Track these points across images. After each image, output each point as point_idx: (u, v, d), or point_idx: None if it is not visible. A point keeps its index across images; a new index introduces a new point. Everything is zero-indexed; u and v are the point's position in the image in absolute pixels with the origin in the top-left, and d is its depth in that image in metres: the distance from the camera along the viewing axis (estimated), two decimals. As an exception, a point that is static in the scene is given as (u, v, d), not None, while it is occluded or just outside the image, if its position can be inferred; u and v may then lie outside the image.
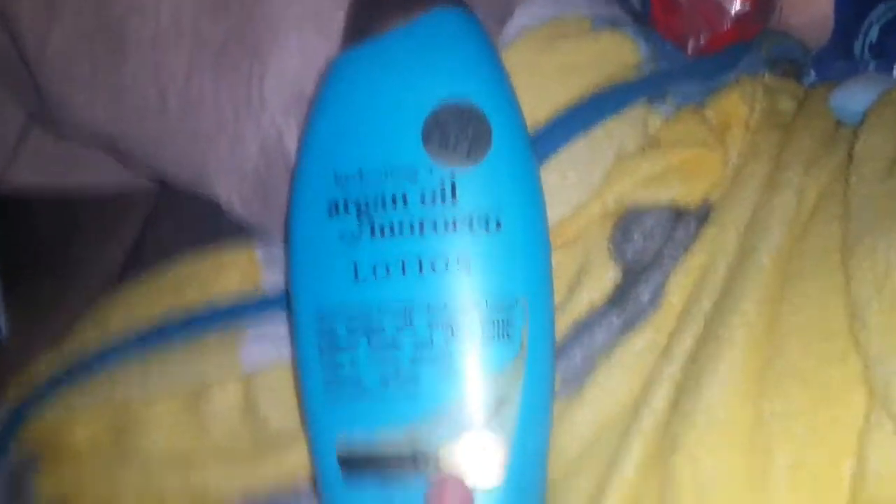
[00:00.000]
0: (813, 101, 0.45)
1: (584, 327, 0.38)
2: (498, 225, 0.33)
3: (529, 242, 0.34)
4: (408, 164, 0.33)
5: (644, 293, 0.38)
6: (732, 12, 0.43)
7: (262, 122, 0.42)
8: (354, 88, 0.35)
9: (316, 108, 0.37)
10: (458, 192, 0.33)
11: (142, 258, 0.50)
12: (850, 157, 0.37)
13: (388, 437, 0.33)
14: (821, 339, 0.31)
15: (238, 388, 0.42)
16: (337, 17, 0.41)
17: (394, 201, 0.33)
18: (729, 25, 0.43)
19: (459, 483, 0.32)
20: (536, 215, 0.35)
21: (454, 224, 0.33)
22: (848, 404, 0.29)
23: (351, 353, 0.33)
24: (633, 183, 0.39)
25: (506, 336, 0.33)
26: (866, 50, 0.48)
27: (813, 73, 0.50)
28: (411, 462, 0.32)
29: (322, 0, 0.41)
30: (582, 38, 0.41)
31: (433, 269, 0.33)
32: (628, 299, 0.38)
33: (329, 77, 0.37)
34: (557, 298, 0.39)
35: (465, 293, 0.33)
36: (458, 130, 0.33)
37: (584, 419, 0.36)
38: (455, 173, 0.33)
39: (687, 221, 0.39)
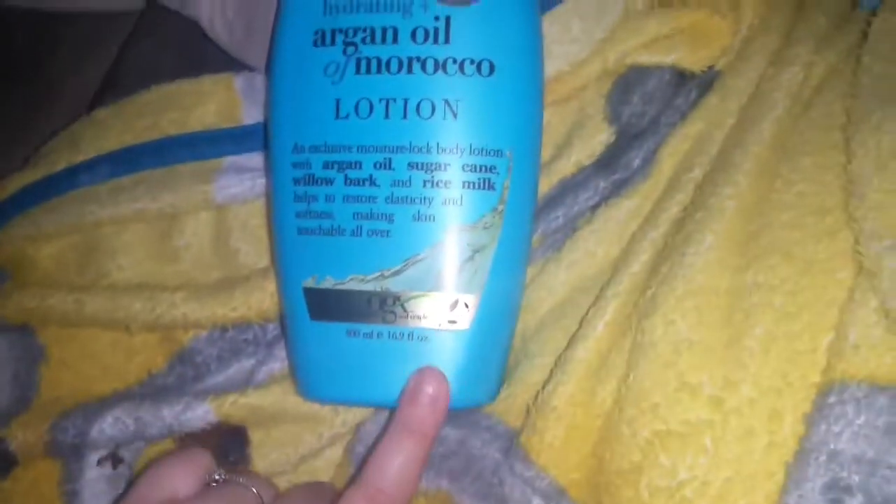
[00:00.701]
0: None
1: (569, 188, 0.37)
2: (491, 70, 0.32)
3: (522, 91, 0.33)
4: None
5: (635, 158, 0.37)
6: None
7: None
8: None
9: None
10: (451, 31, 0.32)
11: (119, 80, 0.48)
12: (864, 35, 0.36)
13: (358, 280, 0.32)
14: (811, 213, 0.30)
15: (210, 218, 0.41)
16: None
17: (384, 35, 0.32)
18: None
19: (437, 372, 0.31)
20: (533, 64, 0.34)
21: (445, 65, 0.32)
22: (832, 279, 0.29)
23: (326, 188, 0.32)
24: (638, 42, 0.37)
25: (487, 186, 0.32)
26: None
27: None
28: (379, 308, 0.32)
29: None
30: None
31: (418, 113, 0.32)
32: (618, 163, 0.37)
33: None
34: (545, 156, 0.38)
35: (450, 138, 0.32)
36: None
37: (558, 279, 0.36)
38: (451, 11, 0.32)
39: (688, 89, 0.38)
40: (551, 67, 0.37)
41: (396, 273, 0.32)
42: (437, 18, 0.32)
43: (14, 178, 0.43)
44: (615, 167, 0.37)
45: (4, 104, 0.54)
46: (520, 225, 0.34)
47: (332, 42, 0.33)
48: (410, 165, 0.32)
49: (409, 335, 0.32)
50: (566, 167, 0.38)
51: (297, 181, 0.33)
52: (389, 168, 0.32)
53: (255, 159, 0.40)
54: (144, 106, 0.42)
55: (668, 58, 0.37)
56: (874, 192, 0.28)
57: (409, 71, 0.32)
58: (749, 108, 0.35)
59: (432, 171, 0.32)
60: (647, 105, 0.38)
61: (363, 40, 0.32)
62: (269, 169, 0.35)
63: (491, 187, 0.32)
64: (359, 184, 0.32)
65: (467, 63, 0.32)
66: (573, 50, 0.37)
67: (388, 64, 0.32)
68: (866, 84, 0.33)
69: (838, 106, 0.34)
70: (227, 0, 0.41)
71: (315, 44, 0.33)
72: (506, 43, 0.33)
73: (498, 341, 0.34)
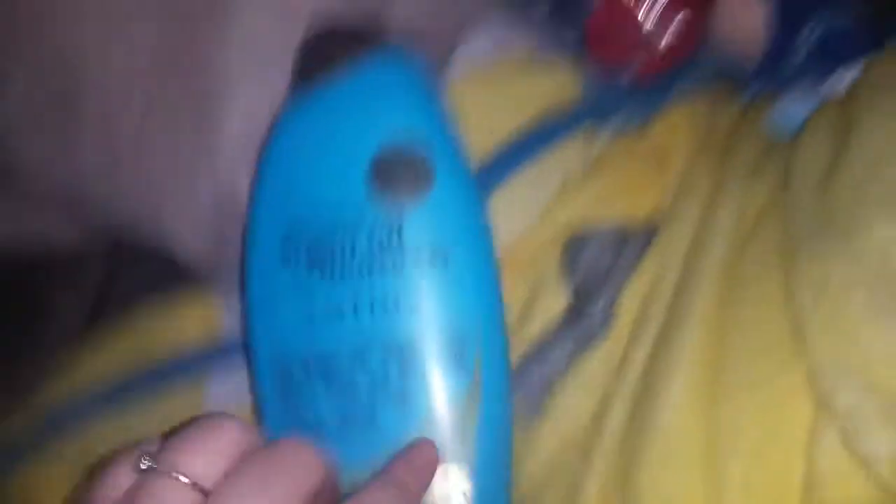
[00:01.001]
0: (751, 116, 0.47)
1: (538, 350, 0.39)
2: (445, 261, 0.34)
3: (477, 274, 0.35)
4: (355, 207, 0.34)
5: (595, 313, 0.39)
6: (664, 40, 0.44)
7: (215, 174, 0.43)
8: (301, 135, 0.36)
9: (265, 157, 0.37)
10: (403, 232, 0.34)
11: (104, 311, 0.51)
12: (786, 170, 0.39)
13: (351, 474, 0.33)
14: (766, 348, 0.32)
15: None
16: (283, 67, 0.42)
17: (342, 246, 0.34)
18: (662, 52, 0.44)
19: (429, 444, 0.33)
20: (483, 248, 0.36)
21: (402, 264, 0.34)
22: (795, 410, 0.30)
23: (309, 396, 0.34)
24: (580, 204, 0.40)
25: (459, 366, 0.34)
26: (800, 63, 0.50)
27: (751, 88, 0.51)
28: None
29: (266, 51, 0.42)
30: (523, 71, 0.43)
31: (384, 309, 0.33)
32: (581, 319, 0.39)
33: (277, 125, 0.37)
34: (511, 322, 0.40)
35: (416, 329, 0.34)
36: (400, 171, 0.34)
37: (546, 440, 0.37)
38: (401, 214, 0.34)
39: (633, 241, 0.40)
40: (503, 239, 0.38)
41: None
42: (390, 221, 0.34)
43: (12, 419, 0.44)
44: (578, 323, 0.39)
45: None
46: (498, 394, 0.35)
47: (297, 259, 0.35)
48: (384, 360, 0.33)
49: None
50: (533, 330, 0.39)
51: (281, 393, 0.35)
52: (365, 365, 0.33)
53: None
54: (131, 332, 0.45)
55: (608, 216, 0.40)
56: (815, 325, 0.30)
57: (370, 273, 0.34)
58: (692, 253, 0.38)
59: (405, 364, 0.33)
60: (598, 261, 0.40)
61: (325, 253, 0.34)
62: (253, 382, 0.37)
63: (463, 366, 0.34)
64: (339, 383, 0.34)
65: (422, 257, 0.34)
66: (519, 221, 0.40)
67: (350, 270, 0.34)
68: (794, 218, 0.35)
69: (774, 242, 0.36)
70: (199, 231, 0.44)
71: (283, 262, 0.35)
72: (456, 232, 0.35)
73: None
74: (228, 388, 0.42)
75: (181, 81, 0.43)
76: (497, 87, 0.43)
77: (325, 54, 0.38)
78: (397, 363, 0.33)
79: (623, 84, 0.45)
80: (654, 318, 0.37)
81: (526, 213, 0.40)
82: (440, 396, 0.33)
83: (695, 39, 0.47)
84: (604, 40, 0.44)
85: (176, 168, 0.43)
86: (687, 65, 0.48)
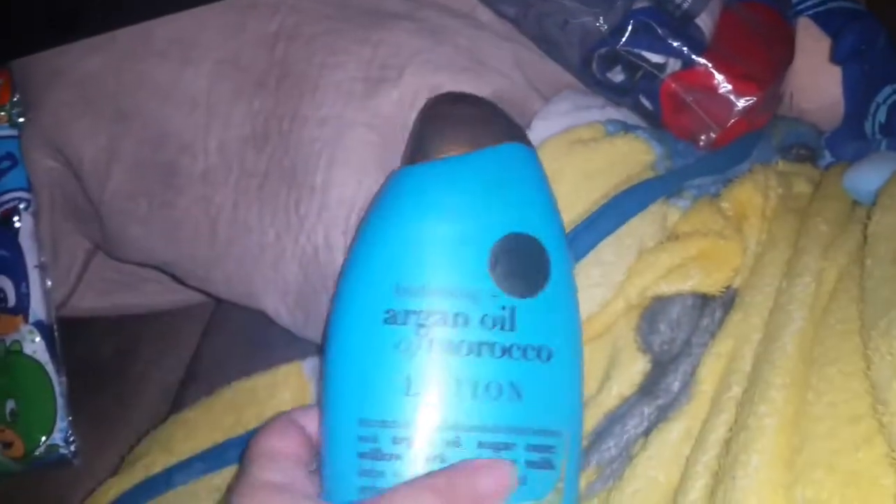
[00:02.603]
0: (828, 182, 0.47)
1: (616, 418, 0.39)
2: (549, 356, 0.34)
3: (575, 376, 0.35)
4: (473, 287, 0.34)
5: (674, 382, 0.39)
6: (739, 106, 0.45)
7: (299, 241, 0.45)
8: (418, 204, 0.36)
9: (374, 217, 0.37)
10: (517, 320, 0.34)
11: (199, 374, 0.53)
12: (864, 237, 0.39)
13: None
14: (845, 423, 0.32)
15: None
16: (359, 149, 0.44)
17: (455, 320, 0.34)
18: (737, 119, 0.45)
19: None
20: (581, 349, 0.36)
21: (511, 351, 0.34)
22: (876, 488, 0.30)
23: (394, 464, 0.33)
24: (655, 275, 0.40)
25: (548, 466, 0.33)
26: (877, 129, 0.50)
27: (828, 154, 0.52)
28: None
29: (340, 139, 0.45)
30: (598, 143, 0.44)
31: (486, 393, 0.33)
32: (659, 389, 0.39)
33: (390, 188, 0.37)
34: (588, 392, 0.40)
35: (515, 419, 0.33)
36: (521, 262, 0.35)
37: None
38: (516, 302, 0.34)
39: (712, 309, 0.40)
40: (582, 312, 0.39)
41: None
42: (503, 308, 0.34)
43: (112, 483, 0.46)
44: (657, 393, 0.39)
45: (93, 406, 0.58)
46: (574, 494, 0.35)
47: (405, 322, 0.34)
48: (480, 444, 0.33)
49: None
50: (609, 400, 0.40)
51: (362, 455, 0.33)
52: (459, 446, 0.32)
53: None
54: (227, 403, 0.47)
55: (685, 285, 0.40)
56: (893, 400, 0.30)
57: (479, 354, 0.33)
58: (771, 323, 0.38)
59: (499, 451, 0.33)
60: (676, 331, 0.40)
61: (436, 322, 0.33)
62: (326, 443, 0.35)
63: (551, 466, 0.33)
64: (429, 461, 0.32)
65: (530, 349, 0.34)
66: (598, 293, 0.40)
67: (458, 346, 0.33)
68: (871, 288, 0.35)
69: (853, 309, 0.36)
70: (288, 293, 0.46)
71: (386, 321, 0.34)
72: (561, 331, 0.35)
73: None
74: None
75: (271, 153, 0.46)
76: (572, 160, 0.43)
77: (450, 130, 0.38)
78: (491, 450, 0.33)
79: (698, 152, 0.46)
80: (734, 388, 0.36)
81: (604, 286, 0.40)
82: (526, 494, 0.33)
83: (770, 102, 0.48)
84: (680, 108, 0.45)
85: (266, 236, 0.46)
86: (763, 131, 0.49)
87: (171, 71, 0.49)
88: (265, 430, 0.33)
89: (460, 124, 0.38)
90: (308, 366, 0.46)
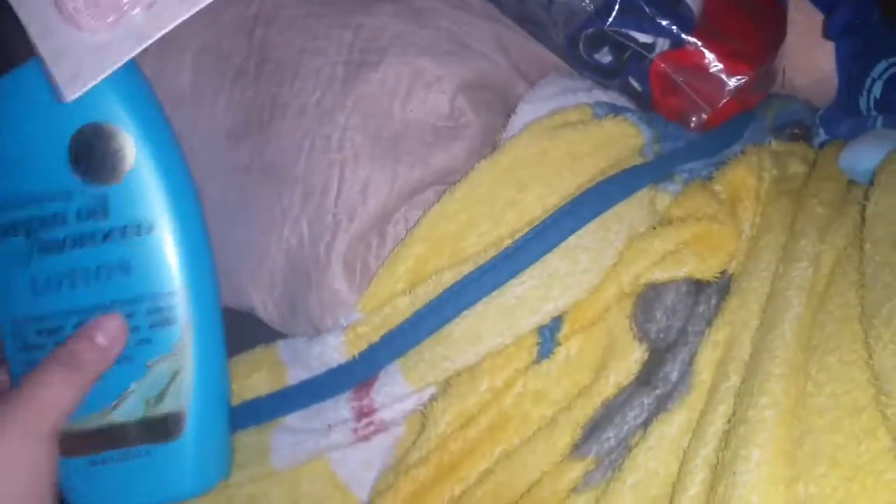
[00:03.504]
0: (823, 162, 0.46)
1: (614, 408, 0.38)
2: (150, 229, 0.38)
3: (180, 240, 0.39)
4: (62, 185, 0.38)
5: (672, 372, 0.38)
6: (731, 85, 0.43)
7: (283, 234, 0.44)
8: (4, 117, 0.39)
9: None
10: (109, 206, 0.38)
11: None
12: (862, 219, 0.38)
13: (85, 420, 0.38)
14: (847, 415, 0.31)
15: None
16: (340, 136, 0.43)
17: (54, 220, 0.38)
18: (729, 98, 0.43)
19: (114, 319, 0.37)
20: (187, 216, 0.39)
21: (109, 235, 0.38)
22: (880, 482, 0.29)
23: (40, 353, 0.38)
24: (648, 261, 0.39)
25: (170, 322, 0.38)
26: (872, 106, 0.48)
27: (822, 132, 0.50)
28: (108, 439, 0.38)
29: (321, 126, 0.44)
30: (585, 125, 0.43)
31: (97, 277, 0.38)
32: (657, 379, 0.38)
33: None
34: (584, 381, 0.39)
35: (129, 292, 0.38)
36: (101, 149, 0.38)
37: (625, 502, 0.36)
38: (105, 189, 0.38)
39: (707, 295, 0.39)
40: (569, 298, 0.39)
41: (115, 407, 0.38)
42: (93, 198, 0.38)
43: None
44: (655, 382, 0.38)
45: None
46: (209, 343, 0.39)
47: (15, 233, 0.39)
48: None
49: (137, 453, 0.38)
50: (607, 389, 0.39)
51: (21, 349, 0.39)
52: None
53: (305, 421, 0.43)
54: None
55: (679, 271, 0.39)
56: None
57: (82, 245, 0.38)
58: (768, 309, 0.37)
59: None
60: (672, 318, 0.39)
61: (39, 228, 0.38)
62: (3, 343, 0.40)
63: (173, 322, 0.38)
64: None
65: (129, 227, 0.38)
66: (586, 279, 0.39)
67: (62, 243, 0.38)
68: (871, 273, 0.34)
69: (852, 294, 0.35)
70: (276, 286, 0.45)
71: (2, 236, 0.39)
72: (157, 203, 0.38)
73: (213, 436, 0.40)
74: (293, 445, 0.43)
75: (254, 148, 0.45)
76: (558, 143, 0.42)
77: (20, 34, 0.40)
78: None
79: (689, 134, 0.45)
80: (733, 377, 0.36)
81: (590, 272, 0.39)
82: (155, 349, 0.38)
83: (763, 81, 0.46)
84: (669, 89, 0.44)
85: (251, 230, 0.45)
86: (755, 111, 0.47)
87: (151, 68, 0.47)
88: None
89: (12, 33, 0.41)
90: (283, 347, 0.45)
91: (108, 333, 0.37)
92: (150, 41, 0.43)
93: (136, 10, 0.44)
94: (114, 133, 0.38)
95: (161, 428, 0.38)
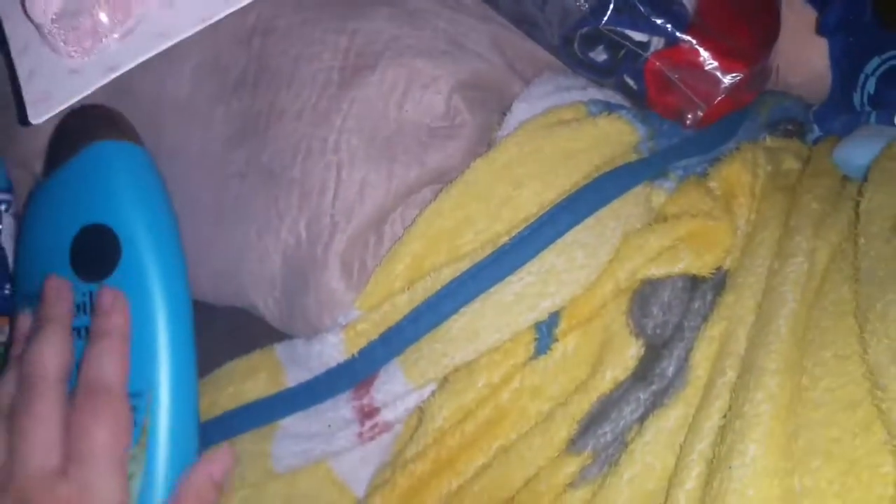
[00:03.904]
0: (817, 158, 0.46)
1: (611, 403, 0.38)
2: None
3: (155, 340, 0.38)
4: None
5: (669, 367, 0.38)
6: (726, 83, 0.44)
7: (281, 236, 0.44)
8: (35, 217, 0.43)
9: (18, 237, 0.45)
10: (94, 302, 0.39)
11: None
12: (856, 215, 0.38)
13: None
14: (842, 409, 0.31)
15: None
16: (335, 139, 0.44)
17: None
18: (723, 97, 0.44)
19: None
20: (168, 315, 0.39)
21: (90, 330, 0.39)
22: (876, 475, 0.29)
23: None
24: (644, 257, 0.39)
25: (134, 423, 0.37)
26: (866, 102, 0.49)
27: (816, 128, 0.51)
28: None
29: (317, 129, 0.44)
30: (580, 123, 0.43)
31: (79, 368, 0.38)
32: (653, 374, 0.38)
33: (25, 208, 0.44)
34: (581, 376, 0.40)
35: None
36: (94, 250, 0.39)
37: (622, 498, 0.36)
38: (93, 286, 0.39)
39: (703, 291, 0.40)
40: (565, 294, 0.39)
41: None
42: (84, 294, 0.39)
43: None
44: (651, 378, 0.38)
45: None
46: (169, 450, 0.38)
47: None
48: None
49: None
50: (603, 384, 0.39)
51: None
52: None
53: (306, 423, 0.43)
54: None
55: (675, 267, 0.39)
56: (894, 382, 0.29)
57: (80, 336, 0.39)
58: (764, 304, 0.37)
59: None
60: (668, 314, 0.39)
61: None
62: None
63: (135, 424, 0.37)
64: None
65: None
66: (583, 275, 0.39)
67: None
68: (866, 268, 0.34)
69: (847, 289, 0.35)
70: (276, 286, 0.45)
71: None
72: (137, 302, 0.39)
73: None
74: (294, 451, 0.43)
75: (251, 154, 0.45)
76: (553, 141, 0.43)
77: (58, 144, 0.44)
78: None
79: (684, 132, 0.45)
80: (728, 371, 0.36)
81: (586, 268, 0.39)
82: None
83: (758, 78, 0.46)
84: (664, 87, 0.44)
85: (248, 235, 0.45)
86: (749, 108, 0.48)
87: (153, 82, 0.48)
88: None
89: (53, 141, 0.45)
90: (281, 349, 0.45)
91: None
92: (121, 71, 0.44)
93: (112, 39, 0.45)
94: (108, 235, 0.39)
95: None
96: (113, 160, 0.41)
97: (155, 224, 0.40)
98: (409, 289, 0.41)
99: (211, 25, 0.46)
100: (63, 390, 0.37)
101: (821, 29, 0.50)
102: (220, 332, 0.48)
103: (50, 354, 0.37)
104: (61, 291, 0.39)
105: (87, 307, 0.39)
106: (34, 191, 0.44)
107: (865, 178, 0.40)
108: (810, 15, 0.51)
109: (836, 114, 0.50)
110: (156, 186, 0.41)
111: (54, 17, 0.44)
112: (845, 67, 0.50)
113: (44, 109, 0.44)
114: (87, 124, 0.44)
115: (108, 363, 0.37)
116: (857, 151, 0.44)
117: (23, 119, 0.45)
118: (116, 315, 0.38)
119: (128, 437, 0.36)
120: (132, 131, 0.43)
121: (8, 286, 0.56)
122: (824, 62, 0.51)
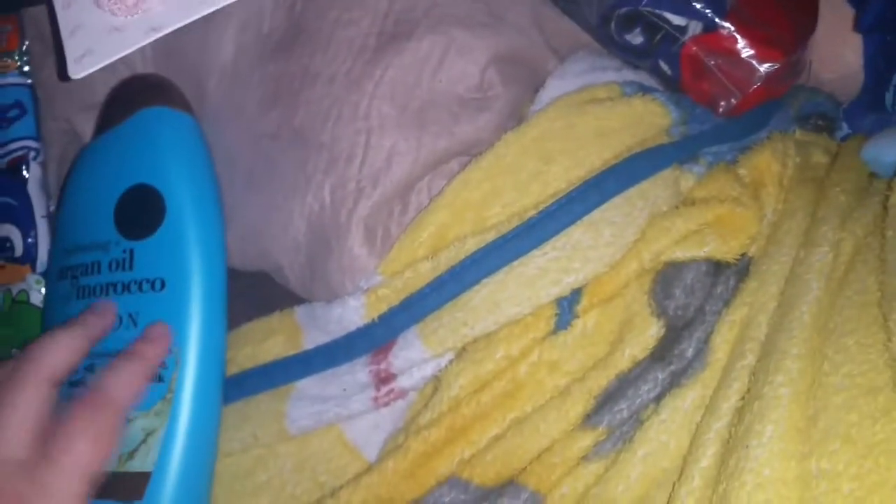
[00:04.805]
0: (846, 153, 0.46)
1: (629, 381, 0.39)
2: (163, 286, 0.40)
3: (187, 299, 0.40)
4: (103, 239, 0.42)
5: (688, 349, 0.38)
6: (761, 71, 0.43)
7: (306, 201, 0.44)
8: (83, 173, 0.44)
9: (63, 192, 0.45)
10: (135, 260, 0.41)
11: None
12: (884, 209, 0.38)
13: None
14: (863, 394, 0.31)
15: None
16: (367, 105, 0.44)
17: (90, 269, 0.42)
18: (758, 85, 0.44)
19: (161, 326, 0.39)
20: (203, 278, 0.40)
21: (129, 287, 0.40)
22: (894, 460, 0.29)
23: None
24: (670, 240, 0.39)
25: (158, 380, 0.39)
26: (898, 100, 0.49)
27: (845, 125, 0.51)
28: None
29: (349, 94, 0.44)
30: (614, 103, 0.43)
31: (115, 325, 0.40)
32: (672, 355, 0.38)
33: (74, 165, 0.45)
34: (600, 353, 0.40)
35: (128, 343, 0.39)
36: (138, 209, 0.41)
37: (634, 474, 0.36)
38: (134, 245, 0.41)
39: (726, 276, 0.40)
40: (589, 271, 0.39)
41: None
42: (124, 251, 0.41)
43: None
44: (670, 358, 0.38)
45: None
46: (192, 409, 0.39)
47: (65, 277, 0.43)
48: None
49: None
50: (622, 362, 0.39)
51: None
52: (93, 371, 0.39)
53: (321, 386, 0.43)
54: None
55: (700, 251, 0.39)
56: None
57: (107, 294, 0.41)
58: (787, 292, 0.37)
59: None
60: (690, 296, 0.39)
61: (80, 275, 0.42)
62: None
63: (161, 380, 0.39)
64: (74, 384, 0.40)
65: (145, 282, 0.40)
66: (608, 253, 0.39)
67: (94, 290, 0.41)
68: (893, 260, 0.34)
69: (871, 281, 0.35)
70: (300, 251, 0.45)
71: (59, 279, 0.43)
72: (176, 262, 0.40)
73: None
74: (308, 413, 0.43)
75: (283, 116, 0.45)
76: (586, 118, 0.43)
77: (111, 106, 0.46)
78: None
79: (716, 119, 0.45)
80: (749, 356, 0.36)
81: (612, 246, 0.40)
82: (140, 405, 0.38)
83: (793, 70, 0.46)
84: (700, 73, 0.44)
85: (275, 198, 0.45)
86: (782, 100, 0.48)
87: (197, 44, 0.48)
88: None
89: (106, 104, 0.47)
90: (300, 312, 0.46)
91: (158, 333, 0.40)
92: (163, 33, 0.45)
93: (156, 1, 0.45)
94: (153, 195, 0.41)
95: (128, 486, 0.38)
96: (164, 126, 0.43)
97: (199, 190, 0.42)
98: (432, 257, 0.41)
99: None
100: (49, 389, 0.36)
101: (858, 25, 0.50)
102: (240, 293, 0.48)
103: (51, 351, 0.37)
104: (106, 316, 0.40)
105: (125, 263, 0.41)
106: (84, 149, 0.45)
107: (895, 175, 0.40)
108: (848, 12, 0.51)
109: (867, 112, 0.50)
110: (202, 154, 0.43)
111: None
112: (879, 66, 0.50)
113: (85, 65, 0.44)
114: (141, 90, 0.46)
115: (124, 381, 0.37)
116: (886, 149, 0.44)
117: (62, 74, 0.45)
118: (156, 347, 0.39)
119: (106, 458, 0.36)
120: (184, 100, 0.44)
121: (33, 234, 0.56)
122: (858, 60, 0.51)
